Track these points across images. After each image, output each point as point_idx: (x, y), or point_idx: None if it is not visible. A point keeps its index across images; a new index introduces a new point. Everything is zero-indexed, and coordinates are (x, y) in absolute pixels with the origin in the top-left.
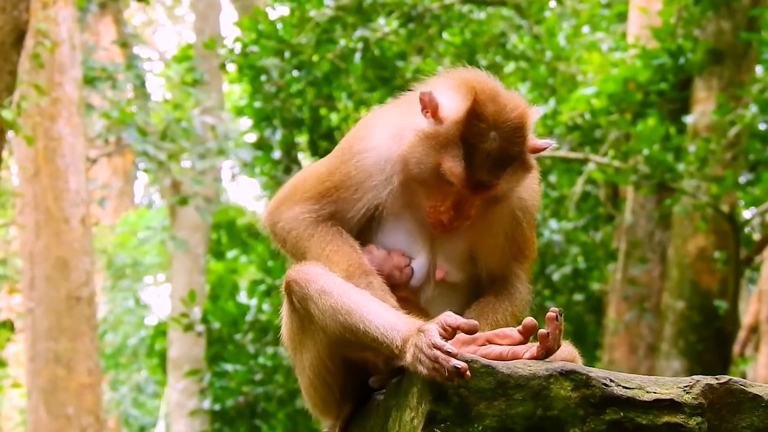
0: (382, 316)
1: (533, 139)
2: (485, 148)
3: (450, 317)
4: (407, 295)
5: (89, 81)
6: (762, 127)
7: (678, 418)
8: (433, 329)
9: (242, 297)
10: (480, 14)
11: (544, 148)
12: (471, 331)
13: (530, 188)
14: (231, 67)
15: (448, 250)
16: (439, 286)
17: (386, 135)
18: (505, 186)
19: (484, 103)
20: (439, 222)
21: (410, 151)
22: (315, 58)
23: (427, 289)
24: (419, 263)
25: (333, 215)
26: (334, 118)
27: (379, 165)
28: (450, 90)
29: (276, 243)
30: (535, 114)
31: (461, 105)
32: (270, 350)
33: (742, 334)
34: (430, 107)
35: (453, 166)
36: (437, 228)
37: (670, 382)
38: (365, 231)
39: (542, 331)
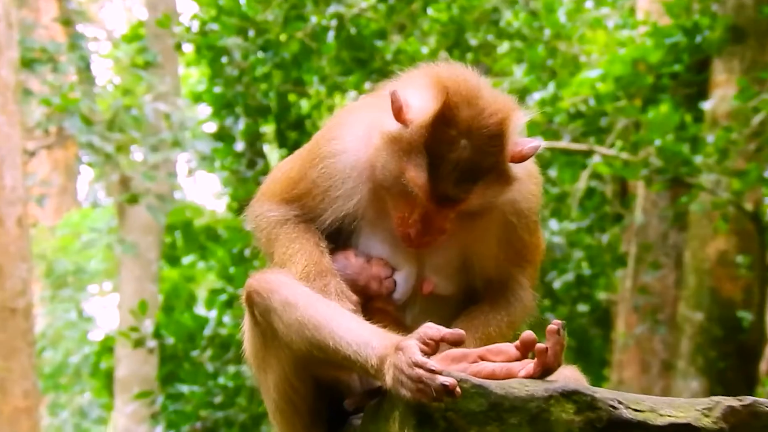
0: (355, 332)
1: (518, 146)
2: (453, 157)
3: (431, 329)
4: (383, 305)
5: (27, 63)
6: None
7: None
8: (412, 345)
9: (200, 308)
10: None
11: (531, 155)
12: (457, 341)
13: (524, 190)
14: (188, 48)
15: (437, 260)
16: (428, 300)
17: (356, 136)
18: (478, 201)
19: (457, 106)
20: (407, 235)
21: (376, 156)
22: (283, 37)
23: (413, 304)
24: (404, 275)
25: (302, 216)
26: (305, 105)
27: (344, 172)
28: (422, 88)
29: (255, 240)
30: (520, 119)
31: (430, 107)
32: (231, 369)
33: None
34: (394, 108)
35: (416, 176)
36: (405, 242)
37: (686, 404)
38: (345, 237)
39: (540, 345)
